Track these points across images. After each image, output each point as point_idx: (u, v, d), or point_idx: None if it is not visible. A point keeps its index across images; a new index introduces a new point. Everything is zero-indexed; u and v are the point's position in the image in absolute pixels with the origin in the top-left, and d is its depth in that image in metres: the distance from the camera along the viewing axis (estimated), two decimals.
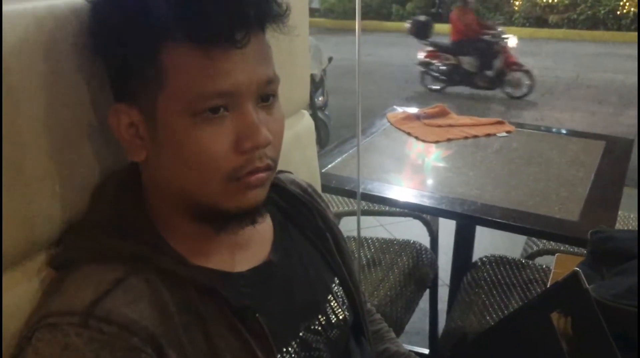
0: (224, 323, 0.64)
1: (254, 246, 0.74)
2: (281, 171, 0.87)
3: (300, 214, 0.83)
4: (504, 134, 2.08)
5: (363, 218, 1.58)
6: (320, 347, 0.75)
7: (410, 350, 0.95)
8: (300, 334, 0.73)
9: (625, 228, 2.03)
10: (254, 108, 0.62)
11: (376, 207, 2.21)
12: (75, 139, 0.69)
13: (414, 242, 1.98)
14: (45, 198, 0.66)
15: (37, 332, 0.59)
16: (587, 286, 0.82)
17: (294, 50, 1.11)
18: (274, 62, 0.66)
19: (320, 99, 4.27)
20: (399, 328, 1.72)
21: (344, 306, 0.82)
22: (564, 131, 2.23)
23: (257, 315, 0.66)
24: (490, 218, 1.51)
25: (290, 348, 0.71)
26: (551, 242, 1.94)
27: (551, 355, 0.73)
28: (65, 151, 0.68)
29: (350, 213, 2.12)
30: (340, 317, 0.80)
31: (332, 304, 0.80)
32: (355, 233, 1.62)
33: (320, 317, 0.77)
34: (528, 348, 0.85)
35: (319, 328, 0.76)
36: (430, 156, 1.95)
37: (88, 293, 0.60)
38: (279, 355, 0.68)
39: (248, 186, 0.64)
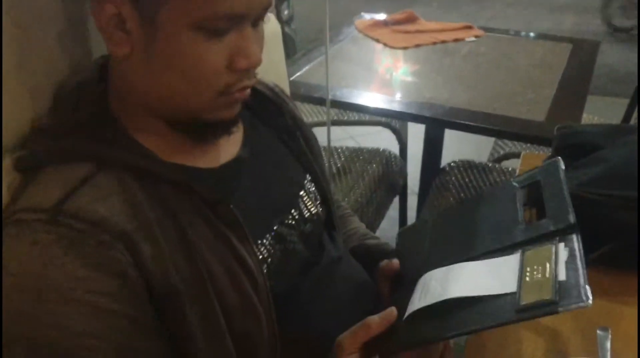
0: (198, 216, 0.64)
1: (224, 143, 0.74)
2: None
3: (269, 113, 0.82)
4: (473, 38, 2.06)
5: (333, 130, 1.57)
6: (294, 239, 0.76)
7: None
8: (275, 228, 0.74)
9: None
10: (251, 30, 0.63)
11: (345, 117, 2.20)
12: (41, 35, 0.67)
13: (383, 150, 1.99)
14: (11, 97, 0.64)
15: (5, 228, 0.58)
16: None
17: None
18: None
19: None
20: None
21: (317, 202, 0.83)
22: (532, 34, 2.21)
23: (230, 206, 0.66)
24: (458, 121, 1.52)
25: (265, 241, 0.72)
26: (517, 145, 1.97)
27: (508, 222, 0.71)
28: (30, 46, 0.65)
29: (320, 124, 2.11)
30: (313, 211, 0.81)
31: (304, 199, 0.80)
32: (325, 144, 1.62)
33: (293, 211, 0.78)
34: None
35: (293, 222, 0.77)
36: (399, 62, 1.93)
37: (55, 191, 0.59)
38: (253, 246, 0.68)
39: (235, 100, 0.66)
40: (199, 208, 0.64)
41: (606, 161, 0.91)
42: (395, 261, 0.81)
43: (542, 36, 2.17)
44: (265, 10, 0.63)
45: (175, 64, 0.61)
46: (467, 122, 1.50)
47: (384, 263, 0.83)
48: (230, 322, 0.65)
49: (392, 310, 0.67)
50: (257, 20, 0.64)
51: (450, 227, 0.78)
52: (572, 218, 0.62)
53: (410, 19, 2.18)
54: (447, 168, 1.90)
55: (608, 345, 0.72)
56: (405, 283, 0.74)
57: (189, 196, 0.64)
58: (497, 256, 0.65)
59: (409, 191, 2.20)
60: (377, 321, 0.67)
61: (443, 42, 2.02)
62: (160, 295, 0.60)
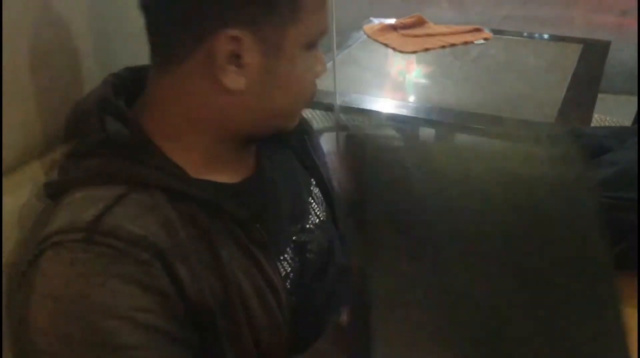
0: (228, 235, 0.65)
1: (243, 155, 0.74)
2: None
3: None
4: (482, 41, 2.05)
5: (342, 136, 1.58)
6: (311, 248, 0.77)
7: None
8: (294, 238, 0.75)
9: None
10: None
11: (355, 122, 2.21)
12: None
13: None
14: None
15: (42, 254, 0.58)
16: None
17: None
18: None
19: None
20: None
21: (322, 207, 0.83)
22: (542, 36, 2.20)
23: (257, 225, 0.67)
24: (468, 125, 1.52)
25: (286, 255, 0.73)
26: None
27: None
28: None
29: (329, 129, 2.12)
30: (321, 218, 0.82)
31: (312, 206, 0.81)
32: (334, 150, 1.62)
33: (307, 219, 0.79)
34: None
35: (307, 230, 0.78)
36: (408, 66, 1.93)
37: (89, 211, 0.59)
38: (277, 263, 0.69)
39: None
40: (229, 227, 0.65)
41: (615, 164, 0.90)
42: None
43: (552, 37, 2.16)
44: None
45: (292, 82, 0.66)
46: (477, 126, 1.50)
47: None
48: (258, 339, 0.66)
49: None
50: None
51: None
52: None
53: (419, 23, 2.18)
54: None
55: None
56: None
57: (219, 214, 0.64)
58: None
59: None
60: None
61: (452, 45, 2.02)
62: (195, 313, 0.61)
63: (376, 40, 2.09)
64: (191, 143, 0.67)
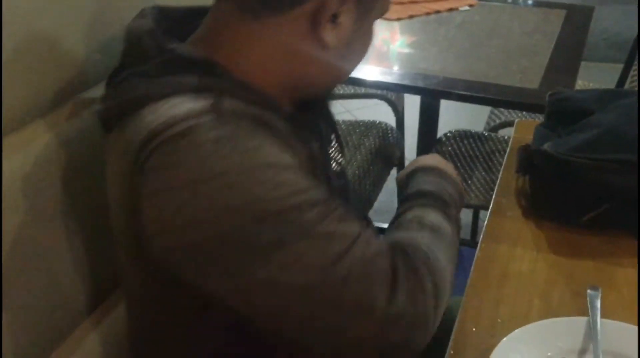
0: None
1: None
2: None
3: None
4: (467, 7, 2.05)
5: None
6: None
7: (379, 226, 1.00)
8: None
9: None
10: None
11: (341, 91, 2.21)
12: None
13: (379, 122, 2.00)
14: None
15: (162, 147, 0.57)
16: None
17: None
18: None
19: None
20: (367, 205, 1.78)
21: (339, 157, 0.86)
22: (527, 2, 2.20)
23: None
24: (453, 91, 1.53)
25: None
26: (513, 113, 1.98)
27: None
28: None
29: None
30: (341, 166, 0.86)
31: (334, 154, 0.84)
32: None
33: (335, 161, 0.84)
34: None
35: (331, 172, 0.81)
36: (392, 34, 1.92)
37: (199, 102, 0.59)
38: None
39: None
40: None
41: (596, 126, 0.92)
42: None
43: (536, 3, 2.16)
44: None
45: (364, 48, 0.73)
46: (462, 92, 1.51)
47: None
48: None
49: None
50: None
51: None
52: None
53: None
54: (444, 139, 1.92)
55: (598, 303, 0.75)
56: None
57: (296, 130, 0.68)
58: None
59: (406, 162, 2.21)
60: None
61: (437, 12, 2.02)
62: None
63: None
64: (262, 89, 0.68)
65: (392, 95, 2.21)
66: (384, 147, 1.92)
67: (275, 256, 0.58)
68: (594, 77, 2.25)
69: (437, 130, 2.02)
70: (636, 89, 1.91)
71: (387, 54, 1.80)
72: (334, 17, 0.65)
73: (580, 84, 2.02)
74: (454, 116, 2.61)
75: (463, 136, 1.88)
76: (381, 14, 0.72)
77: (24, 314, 0.74)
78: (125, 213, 0.63)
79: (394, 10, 2.03)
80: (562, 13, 2.00)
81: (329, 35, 0.66)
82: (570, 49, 1.72)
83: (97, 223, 0.81)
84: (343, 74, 0.75)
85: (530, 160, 0.95)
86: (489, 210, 0.96)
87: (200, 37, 0.70)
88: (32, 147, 0.73)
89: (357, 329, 0.62)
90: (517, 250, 0.87)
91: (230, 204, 0.57)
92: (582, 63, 1.70)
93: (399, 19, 1.97)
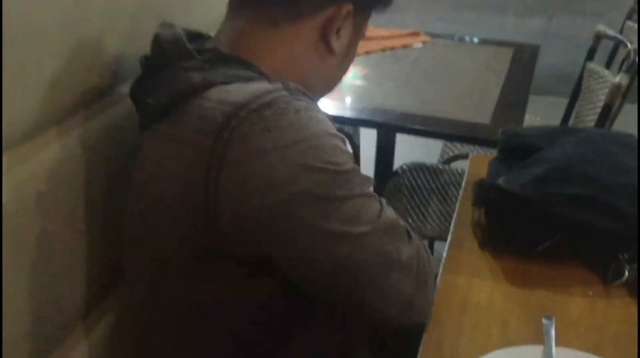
0: None
1: None
2: None
3: None
4: (420, 44, 2.13)
5: None
6: None
7: None
8: None
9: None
10: None
11: None
12: None
13: None
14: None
15: (253, 115, 0.66)
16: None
17: None
18: None
19: None
20: None
21: None
22: (476, 40, 2.30)
23: None
24: (409, 126, 1.58)
25: None
26: (466, 146, 2.05)
27: None
28: None
29: None
30: None
31: None
32: None
33: None
34: None
35: None
36: (350, 70, 1.97)
37: (263, 84, 0.70)
38: None
39: None
40: None
41: (546, 162, 0.97)
42: None
43: (485, 41, 2.26)
44: None
45: (350, 62, 0.87)
46: (417, 127, 1.57)
47: None
48: None
49: None
50: None
51: None
52: None
53: None
54: (400, 171, 1.97)
55: (553, 332, 0.78)
56: None
57: None
58: None
59: None
60: None
61: (392, 48, 2.09)
62: None
63: None
64: None
65: (348, 128, 2.26)
66: None
67: (343, 208, 0.69)
68: (540, 111, 2.35)
69: (394, 162, 2.07)
70: (579, 126, 2.01)
71: (341, 86, 1.84)
72: (337, 30, 0.79)
73: (528, 118, 2.11)
74: (408, 148, 2.68)
75: (418, 168, 1.93)
76: (363, 34, 0.86)
77: (19, 317, 0.75)
78: (185, 190, 0.69)
79: None
80: (510, 51, 2.10)
81: (335, 43, 0.79)
82: (518, 85, 1.81)
83: (104, 227, 0.87)
84: (336, 81, 0.89)
85: (485, 194, 0.99)
86: (447, 242, 0.99)
87: (221, 41, 0.80)
88: (40, 157, 0.75)
89: (389, 276, 0.75)
90: (475, 280, 0.90)
91: (311, 164, 0.66)
92: (530, 96, 1.78)
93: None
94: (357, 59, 1.97)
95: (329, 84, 0.88)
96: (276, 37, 0.78)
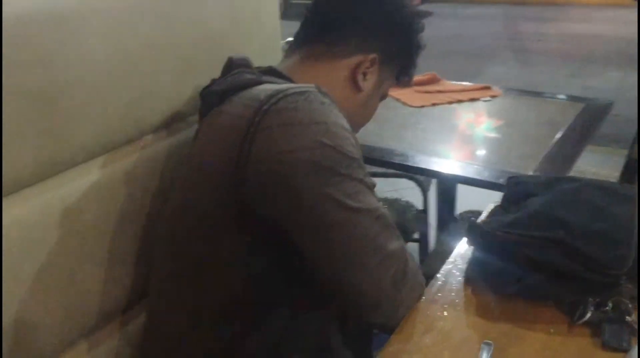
0: None
1: None
2: None
3: None
4: (488, 98, 2.20)
5: None
6: None
7: None
8: None
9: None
10: None
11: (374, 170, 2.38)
12: None
13: (400, 199, 2.15)
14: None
15: (286, 98, 0.86)
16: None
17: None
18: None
19: None
20: None
21: None
22: (552, 96, 2.32)
23: None
24: (467, 176, 1.64)
25: None
26: None
27: None
28: None
29: None
30: None
31: None
32: None
33: None
34: None
35: None
36: (414, 118, 2.09)
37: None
38: None
39: None
40: None
41: (530, 206, 1.04)
42: None
43: (557, 96, 2.27)
44: None
45: (372, 110, 1.18)
46: (474, 177, 1.63)
47: None
48: None
49: None
50: None
51: None
52: None
53: (434, 80, 2.36)
54: (459, 218, 2.04)
55: (484, 356, 0.85)
56: None
57: None
58: None
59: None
60: None
61: (459, 101, 2.18)
62: None
63: (389, 96, 2.27)
64: None
65: (420, 177, 2.36)
66: (402, 222, 2.06)
67: (345, 184, 0.85)
68: (601, 162, 2.28)
69: (455, 209, 2.15)
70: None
71: (407, 135, 1.94)
72: (364, 75, 1.08)
73: (585, 169, 2.08)
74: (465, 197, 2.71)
75: (473, 215, 2.00)
76: (385, 95, 1.18)
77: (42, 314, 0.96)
78: (224, 149, 0.87)
79: (418, 98, 2.20)
80: (580, 106, 2.10)
81: (361, 82, 1.08)
82: (574, 140, 1.82)
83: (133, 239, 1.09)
84: (362, 120, 1.17)
85: (470, 233, 1.08)
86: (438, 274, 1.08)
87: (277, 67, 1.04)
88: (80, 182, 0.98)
89: (373, 258, 0.87)
90: (449, 310, 0.98)
91: (325, 142, 0.84)
92: (589, 147, 1.78)
93: (421, 106, 2.13)
94: (424, 110, 2.09)
95: (357, 120, 1.11)
96: (317, 69, 1.07)
